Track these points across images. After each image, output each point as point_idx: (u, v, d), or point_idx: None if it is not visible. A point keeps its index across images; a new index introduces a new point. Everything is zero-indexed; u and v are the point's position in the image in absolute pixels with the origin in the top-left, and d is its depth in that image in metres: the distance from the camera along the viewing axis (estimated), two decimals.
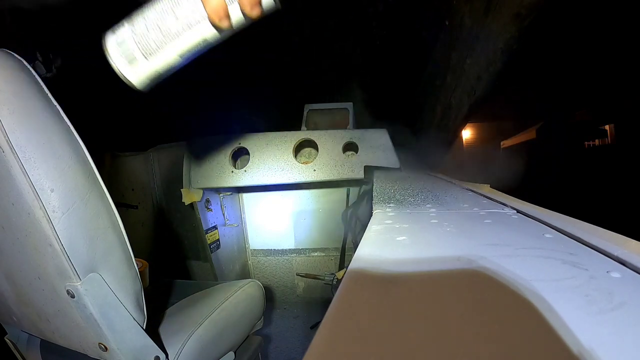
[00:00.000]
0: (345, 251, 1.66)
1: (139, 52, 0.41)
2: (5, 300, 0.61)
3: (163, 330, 0.68)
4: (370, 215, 0.51)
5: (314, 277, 1.71)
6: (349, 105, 1.81)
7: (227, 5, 0.40)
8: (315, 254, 1.77)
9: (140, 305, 0.57)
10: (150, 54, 0.41)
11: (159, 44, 0.41)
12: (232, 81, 2.28)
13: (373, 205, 0.59)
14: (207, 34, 0.41)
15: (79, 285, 0.48)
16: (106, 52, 0.40)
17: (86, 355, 0.57)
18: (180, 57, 0.42)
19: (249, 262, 1.82)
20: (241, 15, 0.41)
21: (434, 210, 0.52)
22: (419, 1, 1.35)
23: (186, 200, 1.37)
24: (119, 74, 0.41)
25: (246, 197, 1.78)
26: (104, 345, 0.53)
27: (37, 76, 0.49)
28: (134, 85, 0.42)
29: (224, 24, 0.40)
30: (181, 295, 0.86)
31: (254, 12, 0.40)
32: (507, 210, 0.50)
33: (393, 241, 0.36)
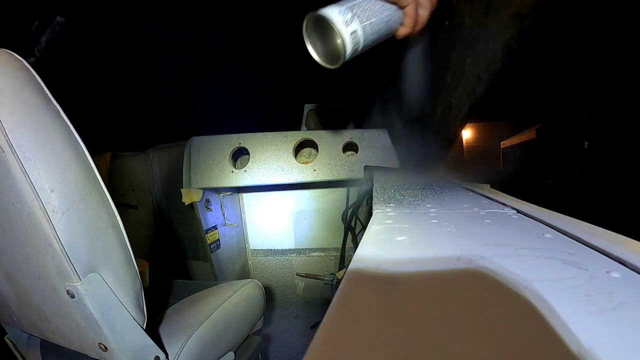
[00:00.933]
0: (345, 251, 1.66)
1: (362, 44, 0.50)
2: (5, 300, 0.61)
3: (163, 330, 0.68)
4: (370, 215, 0.51)
5: (314, 277, 1.71)
6: (349, 105, 1.81)
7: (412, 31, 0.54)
8: (315, 254, 1.77)
9: (140, 305, 0.57)
10: (365, 46, 0.51)
11: (371, 39, 0.51)
12: (232, 81, 2.28)
13: (373, 205, 0.59)
14: (384, 39, 0.54)
15: (79, 285, 0.48)
16: (339, 34, 0.47)
17: (86, 355, 0.57)
18: (367, 48, 0.52)
19: (249, 262, 1.82)
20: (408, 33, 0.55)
21: (434, 210, 0.52)
22: None
23: (186, 200, 1.37)
24: (343, 51, 0.49)
25: (246, 197, 1.78)
26: (104, 345, 0.53)
27: (37, 76, 0.49)
28: (340, 63, 0.51)
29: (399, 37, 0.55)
30: (181, 295, 0.86)
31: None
32: (507, 210, 0.50)
33: (393, 241, 0.36)
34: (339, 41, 0.48)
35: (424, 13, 0.53)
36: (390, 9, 0.51)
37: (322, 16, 0.47)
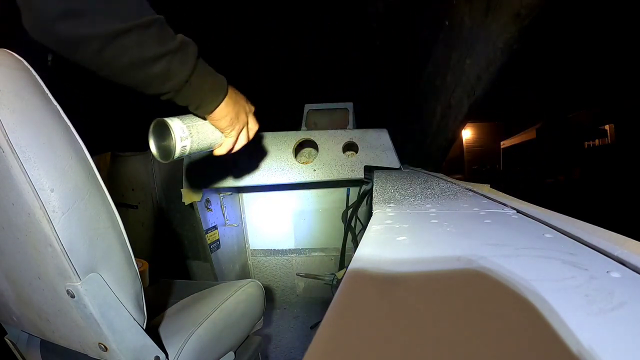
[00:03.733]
0: (345, 251, 1.66)
1: (188, 152, 0.63)
2: (6, 300, 0.61)
3: (163, 330, 0.68)
4: (370, 215, 0.51)
5: (314, 277, 1.71)
6: (349, 105, 1.81)
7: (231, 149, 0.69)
8: (315, 254, 1.77)
9: (140, 305, 0.57)
10: (189, 154, 0.64)
11: (196, 149, 0.64)
12: (231, 81, 2.28)
13: (373, 205, 0.59)
14: (206, 152, 0.69)
15: (79, 285, 0.48)
16: (174, 148, 0.60)
17: (86, 355, 0.57)
18: (189, 154, 0.65)
19: (249, 262, 1.82)
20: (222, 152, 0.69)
21: (434, 210, 0.52)
22: (419, 1, 1.35)
23: (186, 200, 1.37)
24: (172, 155, 0.61)
25: (246, 197, 1.78)
26: (104, 345, 0.53)
27: (37, 76, 0.49)
28: (168, 161, 0.63)
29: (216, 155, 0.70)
30: (181, 295, 0.86)
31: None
32: (507, 210, 0.50)
33: (393, 241, 0.36)
34: (172, 149, 0.60)
35: (239, 146, 0.71)
36: (217, 134, 0.66)
37: (168, 124, 0.60)
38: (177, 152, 0.60)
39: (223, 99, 0.61)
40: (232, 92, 0.64)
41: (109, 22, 0.43)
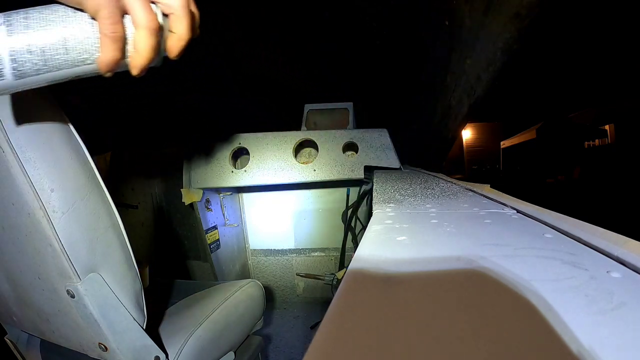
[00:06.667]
0: (345, 251, 1.66)
1: (9, 70, 0.31)
2: (6, 300, 0.61)
3: (163, 330, 0.68)
4: (370, 215, 0.51)
5: (314, 277, 1.71)
6: (349, 105, 1.81)
7: (120, 59, 0.35)
8: (315, 254, 1.77)
9: (140, 305, 0.57)
10: (21, 76, 0.31)
11: (35, 69, 0.32)
12: (231, 80, 2.28)
13: (373, 205, 0.59)
14: (87, 73, 0.36)
15: (79, 285, 0.48)
16: None
17: (86, 355, 0.57)
18: (48, 83, 0.34)
19: (249, 262, 1.82)
20: (128, 67, 0.37)
21: (434, 210, 0.52)
22: (418, 1, 1.36)
23: (186, 200, 1.37)
24: None
25: (246, 197, 1.78)
26: (104, 345, 0.53)
27: None
28: None
29: (108, 74, 0.36)
30: (181, 295, 0.86)
31: (141, 70, 0.37)
32: (507, 210, 0.50)
33: (393, 241, 0.36)
34: None
35: (143, 38, 0.33)
36: (70, 17, 0.32)
37: None
38: None
39: None
40: None
41: None
